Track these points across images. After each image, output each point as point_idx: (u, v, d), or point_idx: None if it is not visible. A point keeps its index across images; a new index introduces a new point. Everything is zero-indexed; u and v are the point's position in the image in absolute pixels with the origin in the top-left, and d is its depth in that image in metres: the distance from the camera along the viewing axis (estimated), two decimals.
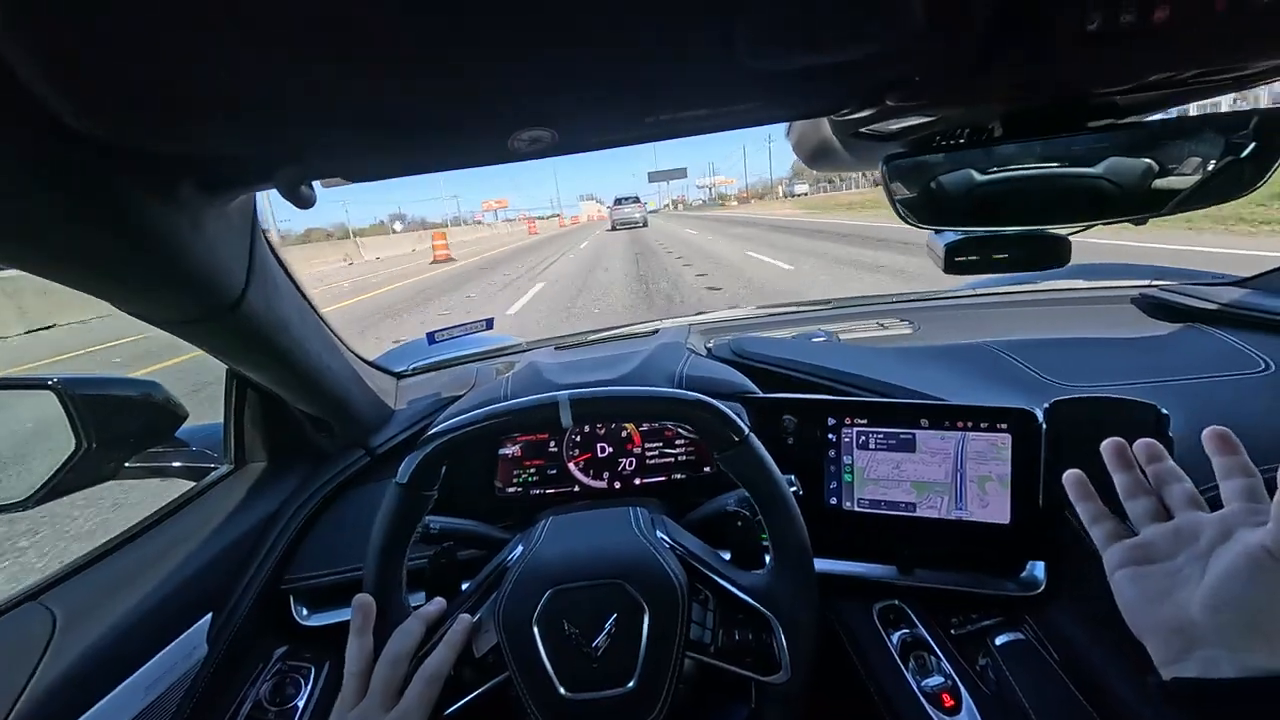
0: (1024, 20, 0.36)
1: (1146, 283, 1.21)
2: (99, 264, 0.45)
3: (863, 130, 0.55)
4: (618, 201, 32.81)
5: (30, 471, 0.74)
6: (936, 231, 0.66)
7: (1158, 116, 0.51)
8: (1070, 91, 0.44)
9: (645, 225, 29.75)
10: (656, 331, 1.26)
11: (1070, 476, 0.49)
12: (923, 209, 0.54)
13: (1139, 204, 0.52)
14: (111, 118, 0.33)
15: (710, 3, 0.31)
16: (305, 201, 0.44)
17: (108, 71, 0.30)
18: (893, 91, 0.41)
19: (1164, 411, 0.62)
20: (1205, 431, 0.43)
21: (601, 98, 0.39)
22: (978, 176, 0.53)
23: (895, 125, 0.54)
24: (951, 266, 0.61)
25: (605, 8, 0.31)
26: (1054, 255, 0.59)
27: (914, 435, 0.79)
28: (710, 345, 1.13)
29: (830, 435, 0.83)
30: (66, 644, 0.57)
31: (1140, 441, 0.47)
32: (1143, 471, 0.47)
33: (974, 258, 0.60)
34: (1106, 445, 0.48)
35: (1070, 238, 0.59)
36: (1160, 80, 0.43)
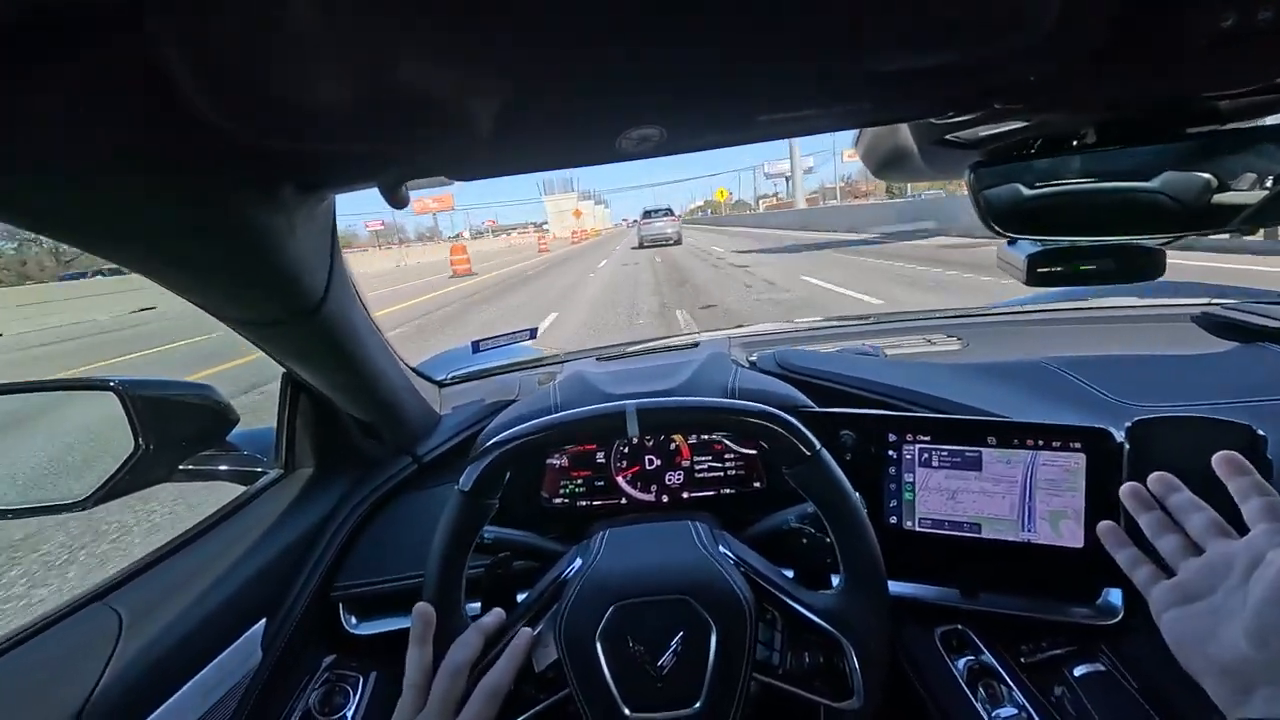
0: (1155, 18, 0.34)
1: (1207, 301, 1.17)
2: (202, 264, 0.45)
3: (948, 137, 0.54)
4: (646, 214, 27.03)
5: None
6: (1010, 242, 0.64)
7: (1268, 121, 0.49)
8: (1185, 94, 0.42)
9: (679, 243, 23.73)
10: (697, 344, 1.24)
11: (1103, 528, 0.50)
12: (1012, 218, 0.52)
13: (1243, 214, 0.49)
14: (246, 115, 0.33)
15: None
16: (402, 201, 0.44)
17: (247, 68, 0.30)
18: (1002, 94, 0.40)
19: (1260, 432, 0.58)
20: (1214, 456, 0.44)
21: (715, 95, 0.38)
22: (1070, 184, 0.51)
23: (983, 132, 0.53)
24: (1034, 278, 0.59)
25: (726, 2, 0.30)
26: (1147, 267, 0.56)
27: (980, 454, 0.76)
28: (753, 358, 1.11)
29: (890, 452, 0.80)
30: (132, 646, 0.56)
31: (1153, 476, 0.47)
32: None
33: (1059, 269, 0.58)
34: (1124, 490, 0.49)
35: (1163, 249, 0.57)
36: None
